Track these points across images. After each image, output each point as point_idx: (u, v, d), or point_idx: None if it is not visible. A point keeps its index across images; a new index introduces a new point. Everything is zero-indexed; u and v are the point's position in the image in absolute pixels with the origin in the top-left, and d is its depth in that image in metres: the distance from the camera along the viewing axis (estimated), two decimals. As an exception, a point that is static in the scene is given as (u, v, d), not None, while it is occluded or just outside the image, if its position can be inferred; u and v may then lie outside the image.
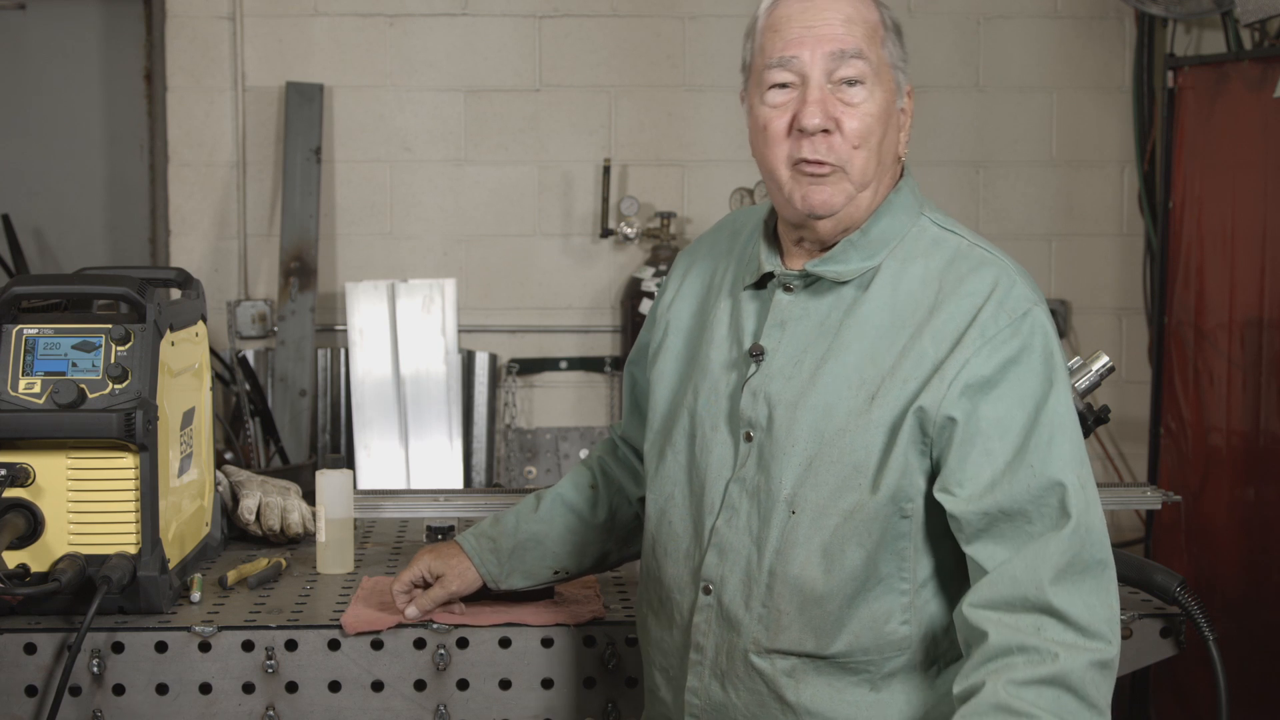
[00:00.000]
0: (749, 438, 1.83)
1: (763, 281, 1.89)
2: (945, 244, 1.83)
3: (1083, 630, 1.66)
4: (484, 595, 2.22)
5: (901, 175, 1.88)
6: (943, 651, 1.81)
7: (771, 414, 1.81)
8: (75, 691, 2.13)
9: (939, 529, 1.78)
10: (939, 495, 1.73)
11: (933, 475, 1.76)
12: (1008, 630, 1.66)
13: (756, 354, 1.84)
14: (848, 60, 1.77)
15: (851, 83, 1.77)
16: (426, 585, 2.20)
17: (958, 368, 1.73)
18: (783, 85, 1.79)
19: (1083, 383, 2.53)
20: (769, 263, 1.88)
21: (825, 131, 1.77)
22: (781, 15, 1.80)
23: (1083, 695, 1.64)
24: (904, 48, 1.83)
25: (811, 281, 1.84)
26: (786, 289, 1.85)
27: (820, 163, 1.78)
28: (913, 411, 1.73)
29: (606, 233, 4.79)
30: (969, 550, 1.73)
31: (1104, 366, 2.53)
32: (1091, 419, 2.56)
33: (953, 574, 1.80)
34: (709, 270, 2.01)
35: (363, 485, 4.51)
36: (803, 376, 1.80)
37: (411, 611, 2.16)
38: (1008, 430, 1.71)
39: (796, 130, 1.78)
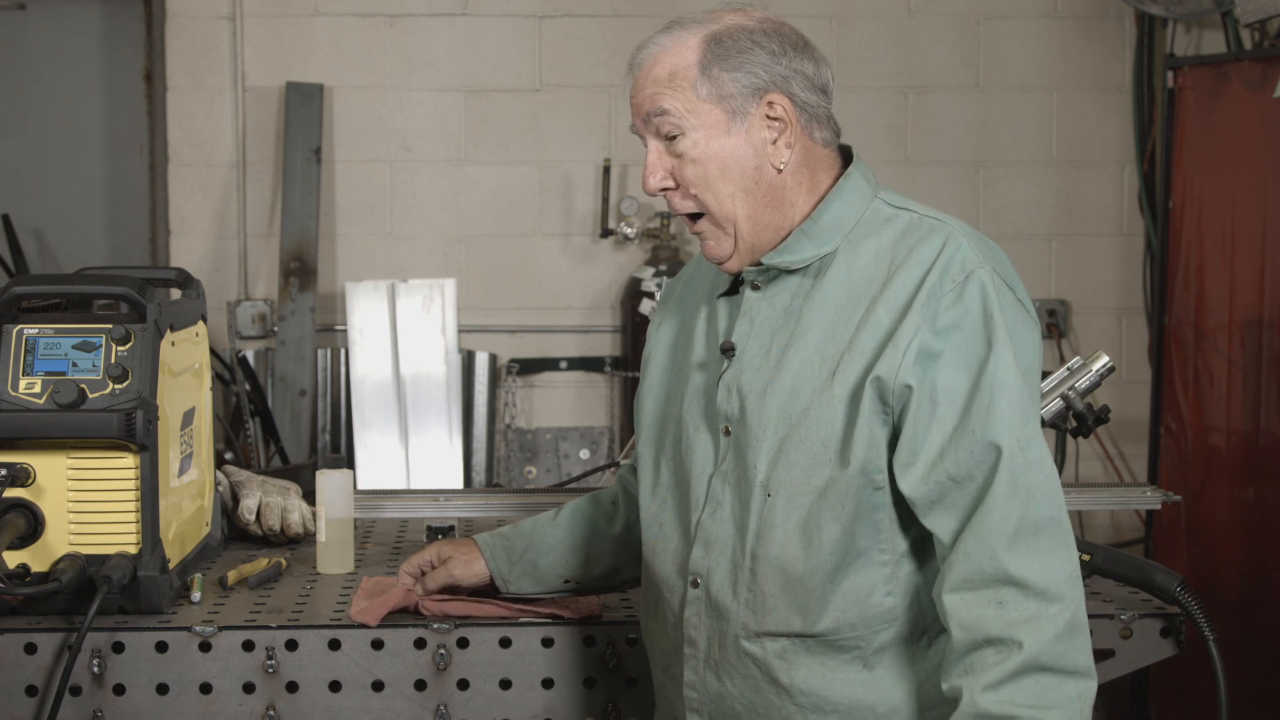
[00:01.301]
0: (727, 432, 1.88)
1: (735, 287, 1.94)
2: (897, 220, 1.87)
3: (1042, 595, 1.70)
4: (491, 597, 2.23)
5: (850, 163, 1.91)
6: (930, 622, 1.83)
7: (743, 404, 1.86)
8: (76, 691, 2.13)
9: None
10: (896, 470, 1.77)
11: (893, 440, 1.79)
12: (973, 613, 1.70)
13: (727, 350, 1.89)
14: (653, 121, 1.86)
15: (672, 136, 1.85)
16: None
17: (910, 335, 1.76)
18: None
19: (1083, 383, 2.54)
20: None
21: (666, 189, 1.88)
22: None
23: (1058, 668, 1.68)
24: (757, 60, 1.83)
25: (774, 275, 1.89)
26: (754, 287, 1.90)
27: (688, 217, 1.89)
28: (870, 382, 1.77)
29: (606, 233, 4.79)
30: (926, 523, 1.77)
31: (1104, 366, 2.54)
32: (1091, 419, 2.56)
33: (933, 544, 1.82)
34: (693, 292, 2.07)
35: (363, 485, 4.51)
36: (770, 365, 1.85)
37: (411, 583, 2.21)
38: (954, 396, 1.75)
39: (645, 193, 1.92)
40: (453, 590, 2.22)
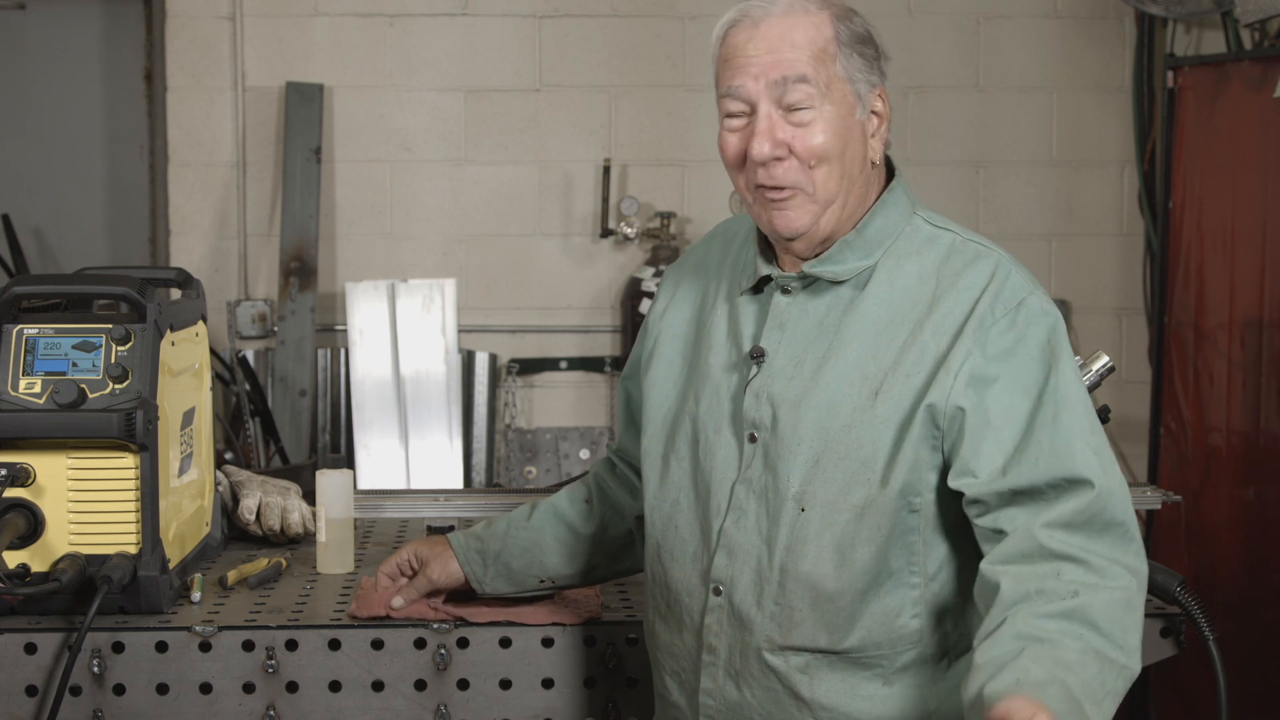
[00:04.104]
0: (753, 439, 1.84)
1: (759, 285, 1.91)
2: (939, 241, 1.85)
3: (1102, 572, 1.66)
4: (478, 596, 2.23)
5: (893, 176, 1.90)
6: (953, 644, 1.82)
7: (775, 414, 1.83)
8: (76, 691, 2.13)
9: (948, 522, 1.80)
10: (955, 483, 1.75)
11: (943, 470, 1.78)
12: (1024, 578, 1.65)
13: (757, 356, 1.86)
14: (791, 86, 1.79)
15: (800, 106, 1.79)
16: (413, 572, 2.22)
17: (961, 360, 1.75)
18: (738, 114, 1.83)
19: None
20: (765, 267, 1.90)
21: (778, 158, 1.80)
22: (731, 45, 1.83)
23: (1106, 632, 1.62)
24: (870, 53, 1.84)
25: (809, 283, 1.86)
26: (784, 291, 1.87)
27: (778, 188, 1.81)
28: (924, 408, 1.75)
29: (606, 233, 4.79)
30: (987, 521, 1.72)
31: (1104, 366, 2.53)
32: (1092, 419, 2.55)
33: (961, 567, 1.82)
34: (703, 279, 2.03)
35: (363, 485, 4.51)
36: (804, 376, 1.82)
37: (397, 602, 2.18)
38: (1014, 418, 1.73)
39: (750, 158, 1.81)
40: (432, 595, 2.21)
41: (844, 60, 1.81)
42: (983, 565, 1.71)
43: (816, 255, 1.86)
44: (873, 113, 1.84)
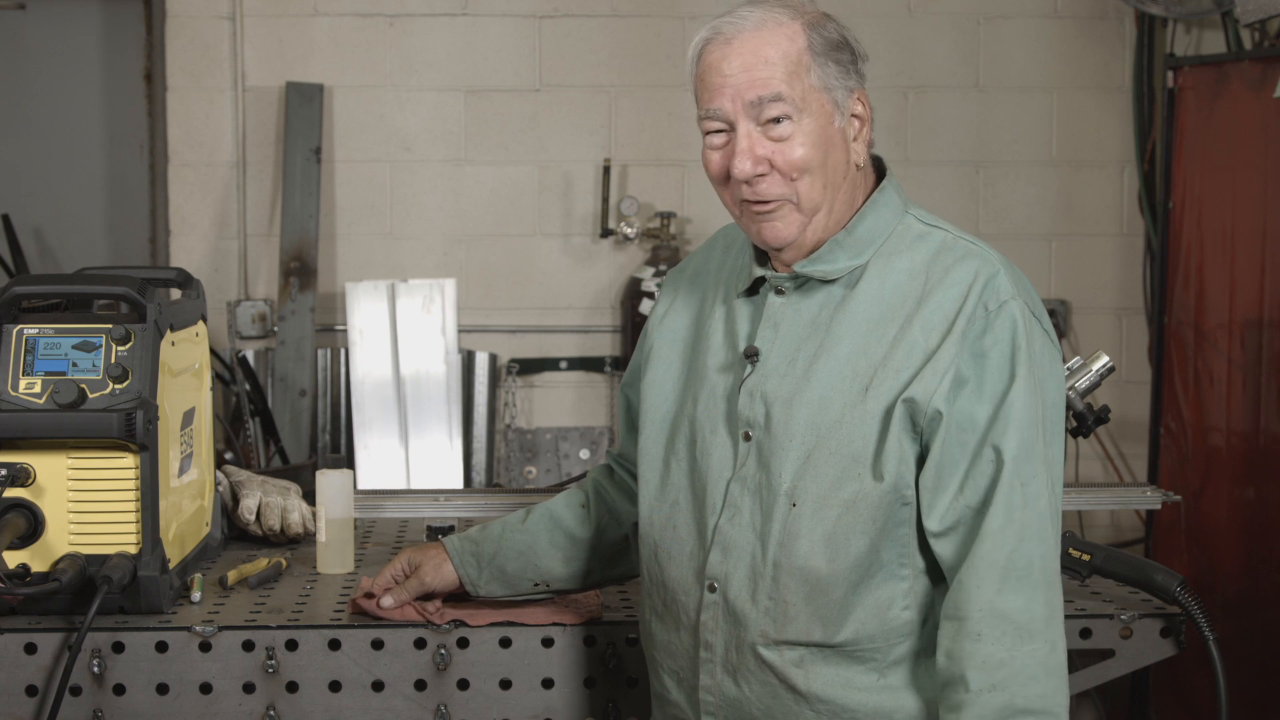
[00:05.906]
0: (747, 437, 1.87)
1: (755, 287, 1.93)
2: (930, 238, 1.87)
3: (1020, 631, 1.72)
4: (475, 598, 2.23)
5: (884, 175, 1.92)
6: None
7: (769, 412, 1.85)
8: (76, 691, 2.13)
9: None
10: (922, 495, 1.79)
11: (922, 460, 1.80)
12: (956, 644, 1.74)
13: (751, 355, 1.88)
14: (767, 104, 1.81)
15: (778, 120, 1.82)
16: (407, 578, 2.22)
17: (949, 360, 1.78)
18: (718, 131, 1.85)
19: (1083, 383, 2.54)
20: (759, 269, 1.92)
21: (760, 174, 1.82)
22: (705, 65, 1.85)
23: (1035, 710, 1.71)
24: (845, 59, 1.86)
25: (802, 282, 1.88)
26: (778, 292, 1.90)
27: (763, 201, 1.83)
28: (903, 401, 1.78)
29: (606, 233, 4.79)
30: (936, 548, 1.80)
31: (1104, 366, 2.54)
32: (1091, 419, 2.56)
33: None
34: (702, 285, 2.05)
35: (363, 485, 4.51)
36: (797, 374, 1.85)
37: (387, 601, 2.18)
38: (977, 426, 1.77)
39: (733, 177, 1.84)
40: (426, 598, 2.21)
41: (819, 70, 1.83)
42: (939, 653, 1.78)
43: (810, 254, 1.88)
44: (853, 116, 1.86)
